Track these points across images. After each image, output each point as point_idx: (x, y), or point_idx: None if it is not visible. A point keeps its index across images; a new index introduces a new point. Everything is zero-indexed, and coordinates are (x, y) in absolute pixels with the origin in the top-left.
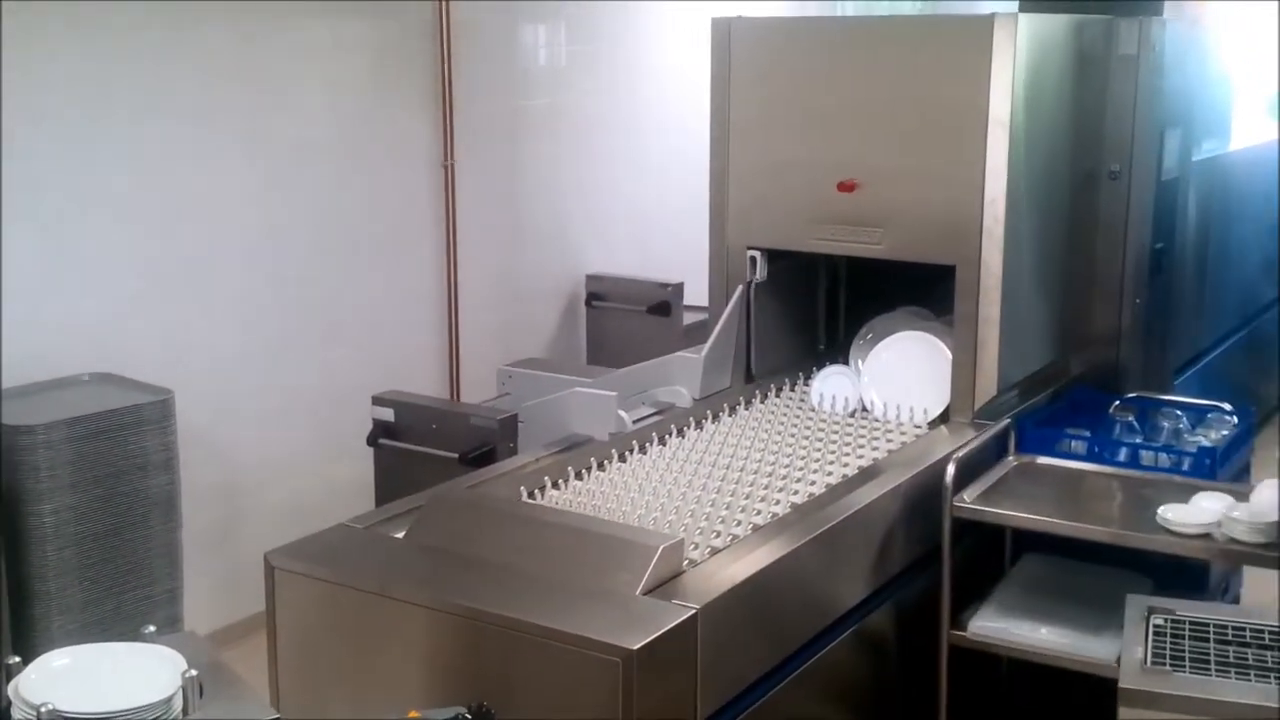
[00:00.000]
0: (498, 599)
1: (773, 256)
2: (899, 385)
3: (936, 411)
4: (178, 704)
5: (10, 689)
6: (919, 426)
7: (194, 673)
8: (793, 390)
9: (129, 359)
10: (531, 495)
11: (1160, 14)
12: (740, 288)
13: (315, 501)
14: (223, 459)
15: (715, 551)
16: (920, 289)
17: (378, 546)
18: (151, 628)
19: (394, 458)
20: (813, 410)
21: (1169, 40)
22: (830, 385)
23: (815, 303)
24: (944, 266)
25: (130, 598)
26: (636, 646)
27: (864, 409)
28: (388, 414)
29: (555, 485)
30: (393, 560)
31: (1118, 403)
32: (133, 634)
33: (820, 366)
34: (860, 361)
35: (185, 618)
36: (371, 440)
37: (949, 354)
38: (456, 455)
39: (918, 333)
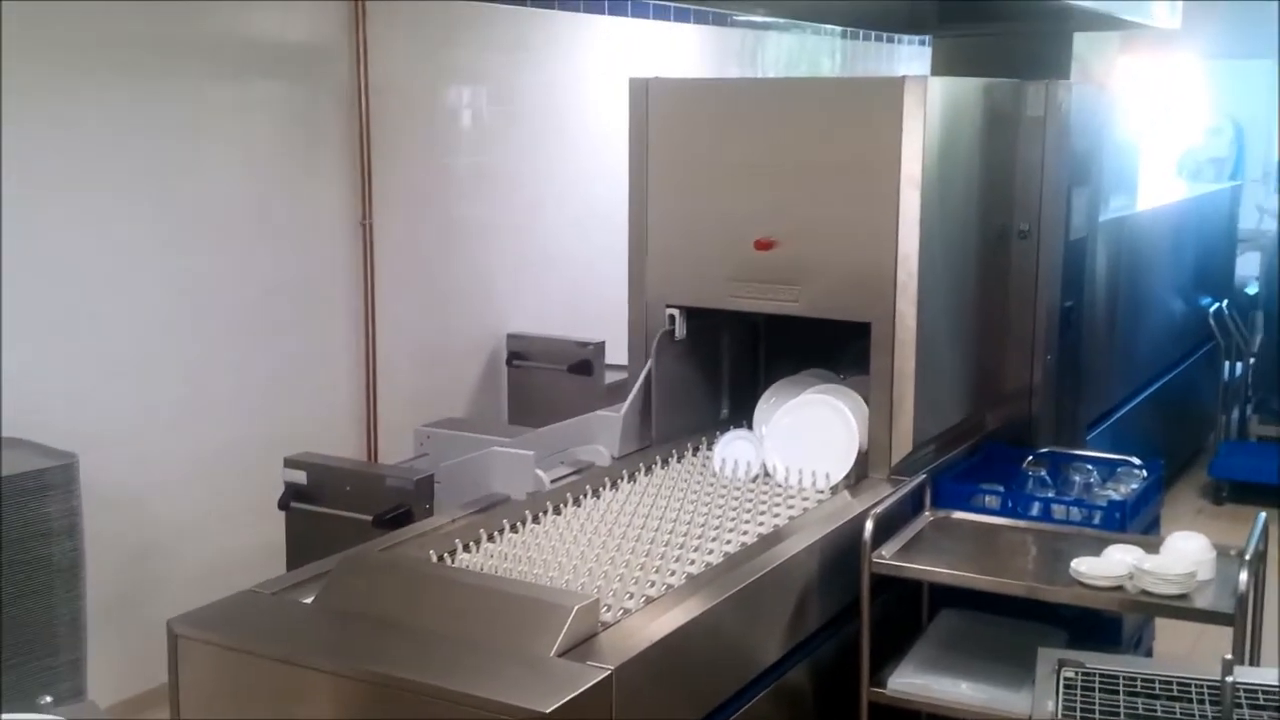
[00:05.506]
0: (407, 663)
1: (691, 314)
2: (800, 451)
3: (838, 477)
4: None
5: None
6: (821, 492)
7: None
8: (695, 455)
9: (33, 422)
10: (446, 557)
11: (1068, 76)
12: (655, 344)
13: (227, 567)
14: (131, 524)
15: (631, 611)
16: (840, 347)
17: (284, 612)
18: (48, 698)
19: (307, 521)
20: (714, 476)
21: (1075, 103)
22: (732, 450)
23: (731, 362)
24: (859, 325)
25: (32, 668)
26: (549, 710)
27: (766, 474)
28: (300, 476)
29: (471, 546)
30: (299, 626)
31: (1031, 457)
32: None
33: (725, 430)
34: (764, 426)
35: (92, 688)
36: (283, 504)
37: (851, 419)
38: (371, 518)
39: (820, 396)
